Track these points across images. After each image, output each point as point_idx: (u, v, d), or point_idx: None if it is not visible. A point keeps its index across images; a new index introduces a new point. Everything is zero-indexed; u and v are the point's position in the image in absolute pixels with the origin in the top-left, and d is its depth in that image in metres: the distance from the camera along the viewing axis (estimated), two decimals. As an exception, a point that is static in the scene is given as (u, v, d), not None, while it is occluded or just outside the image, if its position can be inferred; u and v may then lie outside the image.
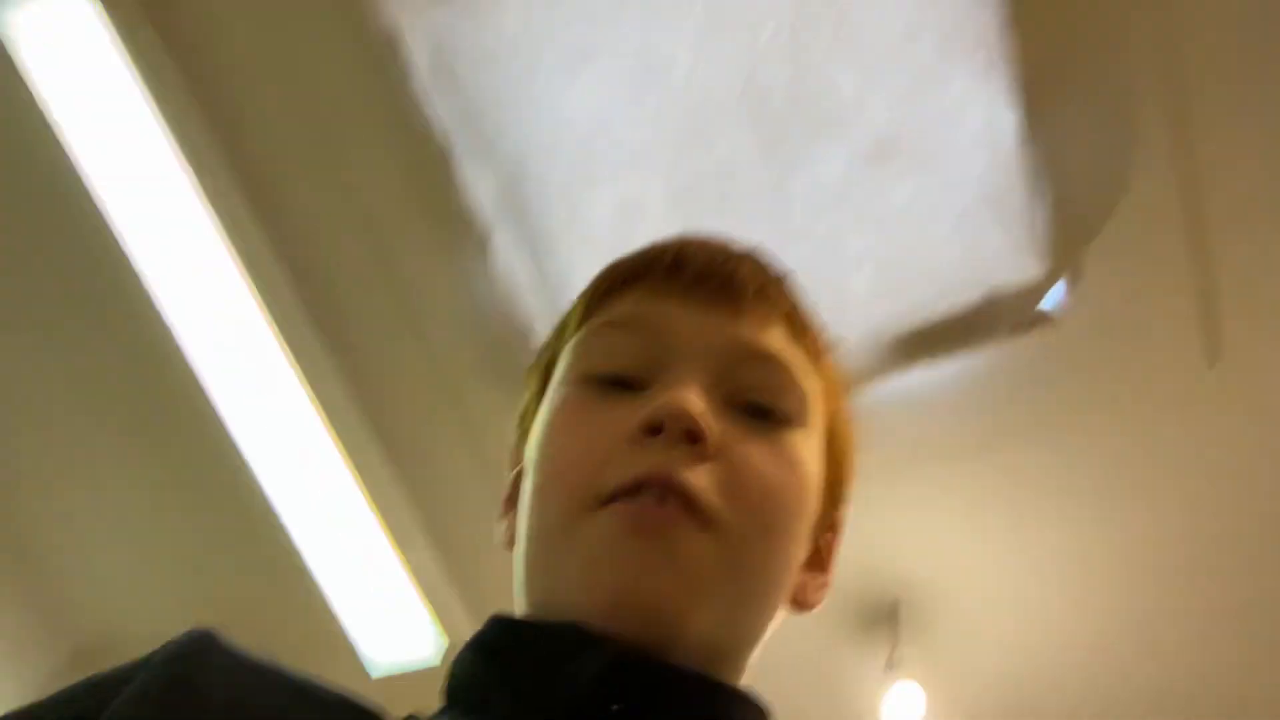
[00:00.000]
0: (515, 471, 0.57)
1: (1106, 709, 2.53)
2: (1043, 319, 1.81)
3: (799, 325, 0.56)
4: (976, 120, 1.69)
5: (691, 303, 0.52)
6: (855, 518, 2.15)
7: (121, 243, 1.95)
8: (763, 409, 0.51)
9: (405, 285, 2.08)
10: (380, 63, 1.78)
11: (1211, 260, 1.80)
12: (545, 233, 1.81)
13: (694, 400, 0.48)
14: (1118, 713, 2.53)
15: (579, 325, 0.56)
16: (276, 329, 2.04)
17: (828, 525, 0.57)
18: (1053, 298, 1.82)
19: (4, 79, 1.81)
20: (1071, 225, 1.75)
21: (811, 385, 0.54)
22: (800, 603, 0.55)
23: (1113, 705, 2.53)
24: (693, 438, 0.47)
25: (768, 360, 0.52)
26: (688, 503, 0.46)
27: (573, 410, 0.52)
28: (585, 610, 0.45)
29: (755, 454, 0.49)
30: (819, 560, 0.56)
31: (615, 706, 0.42)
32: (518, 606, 0.51)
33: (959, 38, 1.59)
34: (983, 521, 2.28)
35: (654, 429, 0.47)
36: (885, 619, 2.44)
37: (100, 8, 1.78)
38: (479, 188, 1.89)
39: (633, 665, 0.43)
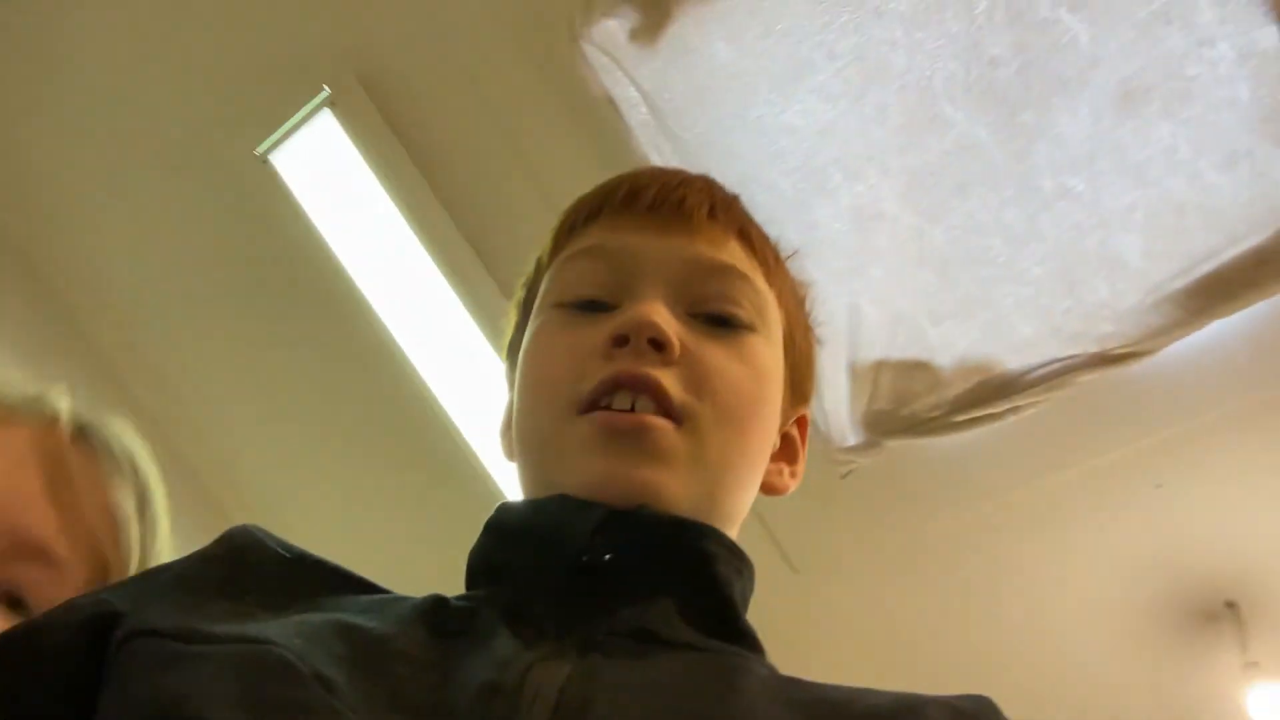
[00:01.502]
0: (510, 398, 0.62)
1: None
2: (1358, 240, 1.61)
3: (752, 239, 0.60)
4: (1231, 43, 1.55)
5: (648, 228, 0.57)
6: (1163, 506, 2.00)
7: (379, 320, 2.13)
8: (721, 317, 0.56)
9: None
10: (601, 127, 1.87)
11: None
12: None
13: (657, 311, 0.53)
14: None
15: (549, 260, 0.61)
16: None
17: (794, 420, 0.63)
18: (1365, 215, 1.62)
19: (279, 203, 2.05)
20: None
21: (767, 293, 0.59)
22: (772, 487, 0.60)
23: None
24: (657, 345, 0.52)
25: (723, 272, 0.57)
26: (656, 397, 0.51)
27: (550, 333, 0.57)
28: (576, 495, 0.51)
29: (716, 355, 0.54)
30: (790, 452, 0.62)
31: (608, 556, 0.48)
32: None
33: (1199, -42, 1.47)
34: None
35: (622, 340, 0.52)
36: (1225, 619, 2.21)
37: (342, 127, 1.98)
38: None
39: (621, 516, 0.49)
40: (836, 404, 1.95)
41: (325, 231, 2.11)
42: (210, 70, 1.96)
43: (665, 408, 0.51)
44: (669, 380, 0.52)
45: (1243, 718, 2.14)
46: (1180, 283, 1.71)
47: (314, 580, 0.51)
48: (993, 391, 1.89)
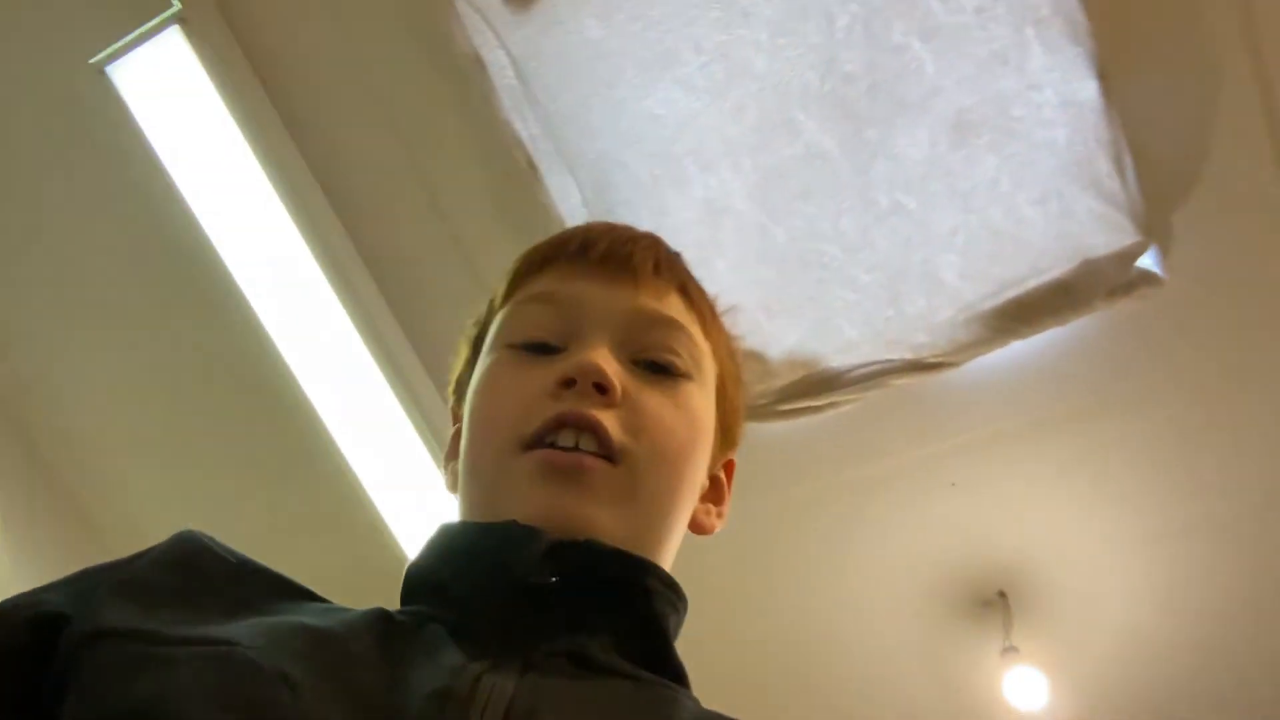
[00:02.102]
0: (455, 428, 0.65)
1: (1235, 679, 2.47)
2: (1139, 282, 1.79)
3: (691, 295, 0.65)
4: (1057, 90, 1.69)
5: (598, 279, 0.61)
6: (954, 503, 2.18)
7: (227, 267, 2.06)
8: (661, 365, 0.60)
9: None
10: (465, 85, 1.85)
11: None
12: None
13: (603, 357, 0.57)
14: (1244, 682, 2.47)
15: (503, 302, 0.65)
16: (371, 345, 2.13)
17: (722, 464, 0.67)
18: (1147, 261, 1.80)
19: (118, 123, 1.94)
20: (1161, 188, 1.73)
21: (703, 345, 0.63)
22: (700, 526, 0.64)
23: (1239, 676, 2.47)
24: (601, 389, 0.56)
25: (664, 323, 0.61)
26: (598, 436, 0.54)
27: (500, 372, 0.60)
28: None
29: (654, 401, 0.58)
30: (717, 493, 0.66)
31: (554, 578, 0.51)
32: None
33: (1032, 10, 1.59)
34: (1086, 497, 2.25)
35: (569, 382, 0.56)
36: (996, 607, 2.43)
37: (191, 48, 1.89)
38: (566, 197, 1.95)
39: (568, 545, 0.52)
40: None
41: (165, 155, 2.01)
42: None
43: (605, 447, 0.55)
44: (610, 421, 0.55)
45: (999, 697, 2.37)
46: (988, 304, 1.86)
47: (262, 586, 0.53)
48: (815, 386, 2.01)
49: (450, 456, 0.65)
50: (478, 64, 1.83)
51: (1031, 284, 1.82)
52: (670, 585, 0.56)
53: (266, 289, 2.12)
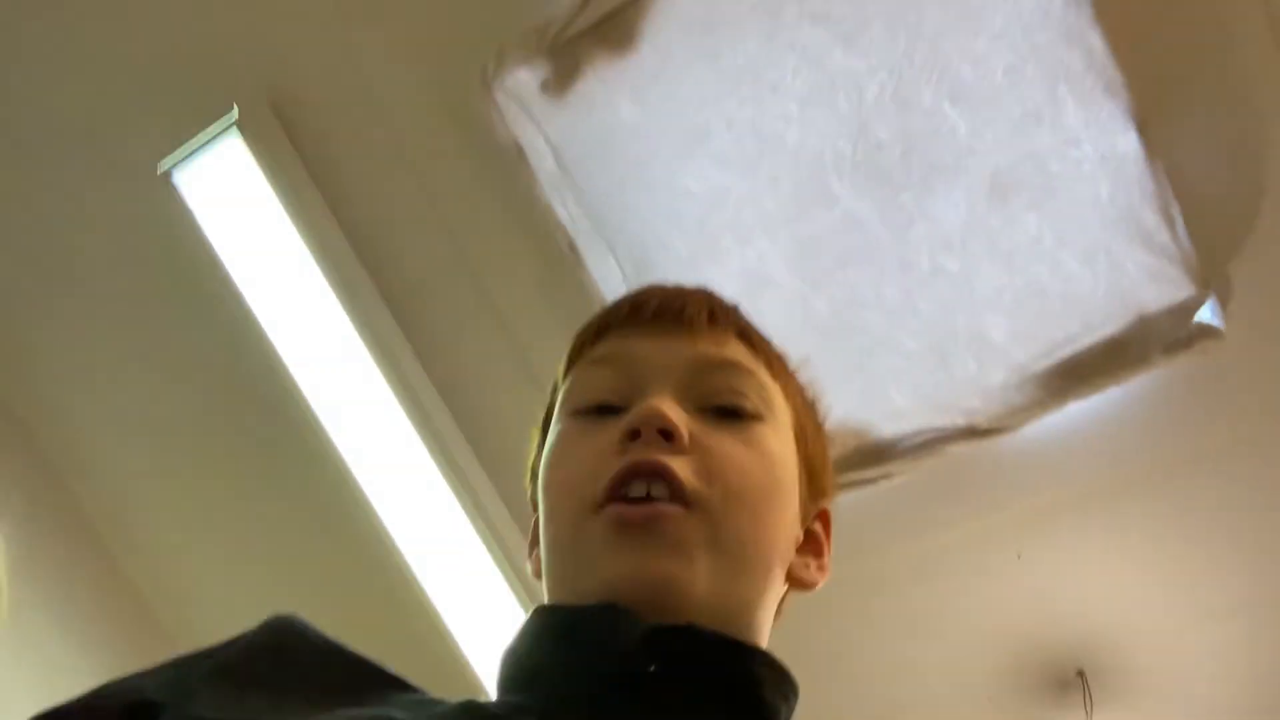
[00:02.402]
0: (535, 517, 0.63)
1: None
2: (1198, 336, 1.73)
3: (752, 340, 0.65)
4: (1095, 144, 1.67)
5: (654, 334, 0.61)
6: (1022, 576, 2.08)
7: (273, 345, 2.11)
8: (729, 409, 0.58)
9: (543, 383, 2.16)
10: (508, 173, 1.91)
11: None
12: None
13: (665, 403, 0.55)
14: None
15: (565, 376, 0.65)
16: (423, 433, 2.15)
17: (816, 514, 0.65)
18: (1205, 313, 1.74)
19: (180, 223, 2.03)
20: (1215, 236, 1.69)
21: (772, 386, 0.62)
22: (799, 581, 0.62)
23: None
24: (667, 435, 0.54)
25: (727, 366, 0.60)
26: (669, 484, 0.52)
27: (567, 439, 0.60)
28: (602, 597, 0.51)
29: (725, 443, 0.56)
30: (815, 545, 0.64)
31: (652, 667, 0.48)
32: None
33: (1063, 67, 1.59)
34: (1161, 566, 2.14)
35: (634, 434, 0.54)
36: (1075, 687, 2.30)
37: (252, 156, 1.98)
38: (608, 278, 1.97)
39: (667, 630, 0.49)
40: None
41: (225, 255, 2.09)
42: (118, 76, 1.94)
43: (678, 493, 0.52)
44: (680, 466, 0.53)
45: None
46: (1041, 364, 1.81)
47: (354, 675, 0.52)
48: (867, 457, 1.97)
49: (533, 544, 0.64)
50: (518, 152, 1.88)
51: (1084, 343, 1.77)
52: (780, 673, 0.53)
53: (329, 398, 2.17)
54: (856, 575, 2.22)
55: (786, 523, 0.59)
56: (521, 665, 0.53)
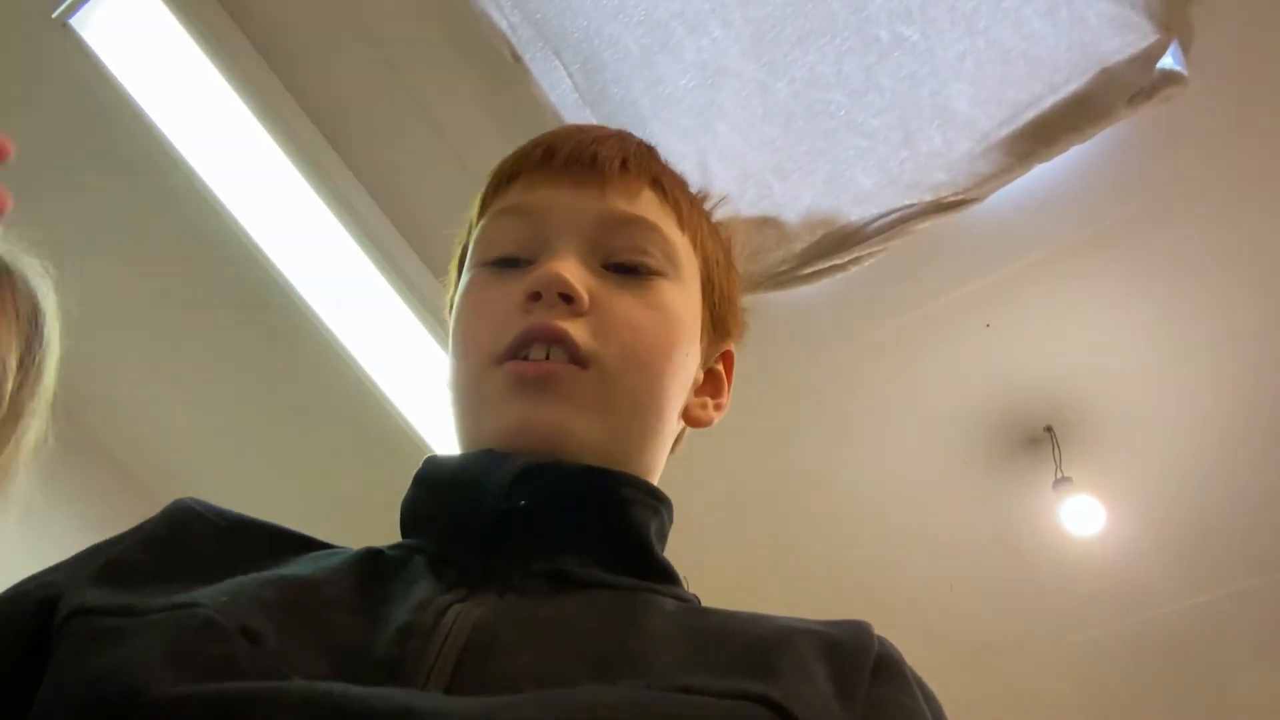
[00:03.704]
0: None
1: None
2: (1162, 83, 1.71)
3: (665, 187, 0.63)
4: (1056, -111, 1.59)
5: (563, 185, 0.61)
6: (992, 344, 2.14)
7: (222, 208, 2.03)
8: (631, 265, 0.59)
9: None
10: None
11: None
12: (632, 114, 1.80)
13: (566, 266, 0.57)
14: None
15: (478, 219, 0.64)
16: (360, 239, 2.11)
17: (719, 356, 0.67)
18: (1168, 59, 1.72)
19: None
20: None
21: (680, 239, 0.62)
22: (694, 420, 0.64)
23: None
24: (567, 298, 0.56)
25: (633, 223, 0.60)
26: (566, 348, 0.55)
27: (473, 292, 0.61)
28: (495, 443, 0.55)
29: (625, 304, 0.57)
30: (714, 386, 0.66)
31: (523, 503, 0.52)
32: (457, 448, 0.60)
33: None
34: (1123, 319, 2.20)
35: (535, 295, 0.56)
36: (1044, 442, 2.41)
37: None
38: (556, 84, 1.88)
39: (535, 468, 0.53)
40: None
41: (140, 100, 1.96)
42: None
43: (574, 355, 0.55)
44: (578, 330, 0.55)
45: (1057, 527, 2.37)
46: (1005, 130, 1.78)
47: (253, 545, 0.53)
48: (836, 243, 1.96)
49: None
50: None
51: (1049, 102, 1.75)
52: (647, 490, 0.56)
53: (261, 217, 2.09)
54: (834, 360, 2.27)
55: (683, 373, 0.61)
56: (416, 512, 0.56)
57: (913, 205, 1.91)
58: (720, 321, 0.66)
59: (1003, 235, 2.01)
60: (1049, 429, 2.37)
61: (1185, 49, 1.75)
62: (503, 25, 1.83)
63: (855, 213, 1.95)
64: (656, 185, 0.63)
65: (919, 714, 0.48)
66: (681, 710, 0.40)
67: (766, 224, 1.98)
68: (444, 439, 2.27)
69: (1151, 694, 2.93)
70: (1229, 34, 1.73)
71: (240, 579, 0.48)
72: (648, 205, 0.61)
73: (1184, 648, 2.80)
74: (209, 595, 0.45)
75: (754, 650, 0.46)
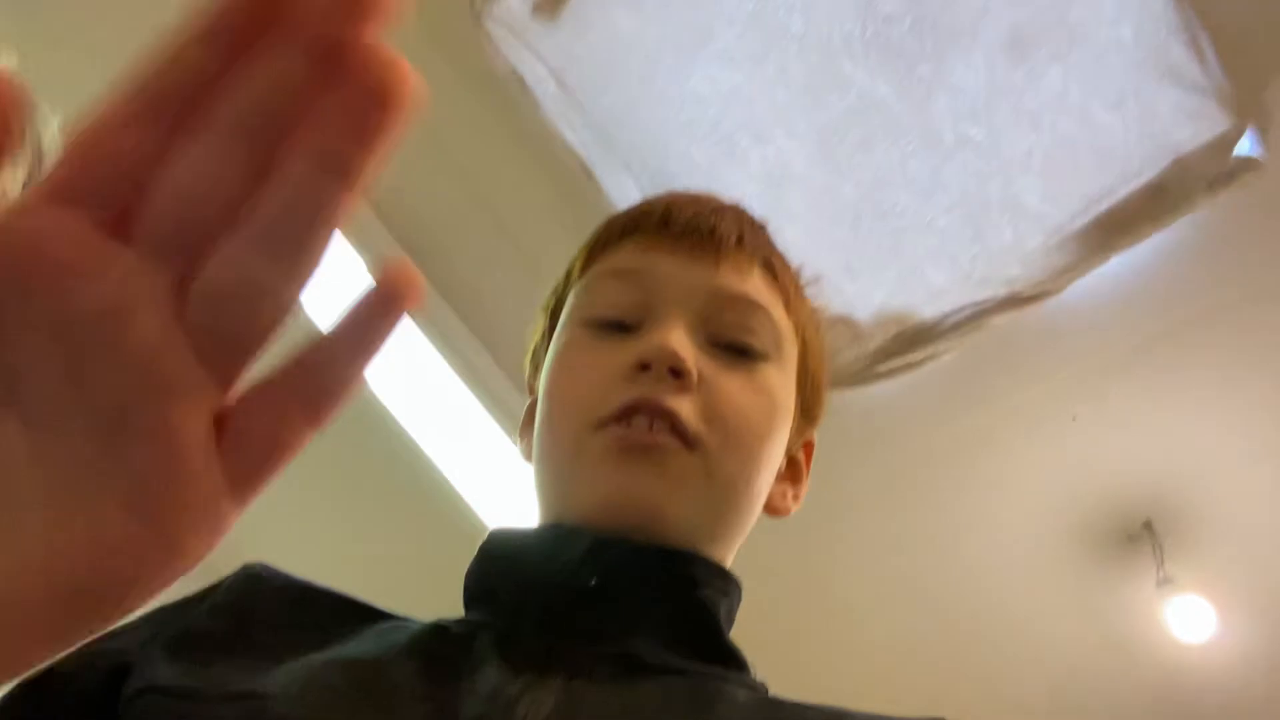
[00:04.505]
0: (531, 400, 0.65)
1: None
2: (1239, 169, 1.68)
3: (775, 270, 0.62)
4: (1115, -15, 1.60)
5: (678, 253, 0.59)
6: (1080, 437, 2.07)
7: None
8: (740, 347, 0.58)
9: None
10: (510, 103, 1.86)
11: None
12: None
13: (679, 340, 0.55)
14: None
15: (581, 274, 0.63)
16: (465, 376, 2.16)
17: (802, 443, 0.66)
18: (1244, 145, 1.69)
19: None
20: (1246, 63, 1.62)
21: (784, 323, 0.61)
22: (775, 509, 0.63)
23: None
24: (676, 373, 0.54)
25: (744, 304, 0.59)
26: (673, 424, 0.53)
27: (576, 350, 0.59)
28: (586, 513, 0.53)
29: (732, 385, 0.56)
30: (795, 473, 0.65)
31: (593, 580, 0.50)
32: (538, 518, 0.59)
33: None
34: (1218, 408, 2.12)
35: (644, 366, 0.55)
36: (1144, 539, 2.31)
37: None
38: (626, 197, 1.94)
39: (607, 544, 0.51)
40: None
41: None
42: None
43: (681, 434, 0.54)
44: (685, 408, 0.54)
45: (1162, 630, 2.25)
46: (1079, 222, 1.77)
47: (321, 615, 0.53)
48: (910, 340, 1.94)
49: (526, 426, 0.65)
50: (517, 80, 1.84)
51: (1122, 193, 1.73)
52: (718, 572, 0.55)
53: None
54: (915, 457, 2.22)
55: (775, 459, 0.60)
56: (480, 585, 0.55)
57: (987, 300, 1.89)
58: (809, 408, 0.65)
59: (1083, 327, 1.97)
60: (1148, 524, 2.27)
61: (1262, 133, 1.72)
62: (573, 141, 1.90)
63: (928, 309, 1.93)
64: (768, 266, 0.62)
65: None
66: None
67: (839, 323, 1.97)
68: (499, 516, 2.31)
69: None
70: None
71: (307, 661, 0.47)
72: (759, 285, 0.60)
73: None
74: (280, 684, 0.44)
75: None
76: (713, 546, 0.56)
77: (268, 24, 0.23)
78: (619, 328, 0.58)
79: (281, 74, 0.23)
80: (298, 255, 0.24)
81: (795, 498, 0.65)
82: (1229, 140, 1.66)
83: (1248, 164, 1.69)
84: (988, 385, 2.08)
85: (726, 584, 0.55)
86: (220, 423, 0.25)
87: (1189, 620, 2.20)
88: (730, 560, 0.58)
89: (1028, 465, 2.23)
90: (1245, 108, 1.65)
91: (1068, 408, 2.12)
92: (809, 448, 0.67)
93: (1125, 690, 2.53)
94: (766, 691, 0.52)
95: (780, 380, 0.59)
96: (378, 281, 0.25)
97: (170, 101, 0.23)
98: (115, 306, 0.24)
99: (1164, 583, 2.24)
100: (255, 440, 0.25)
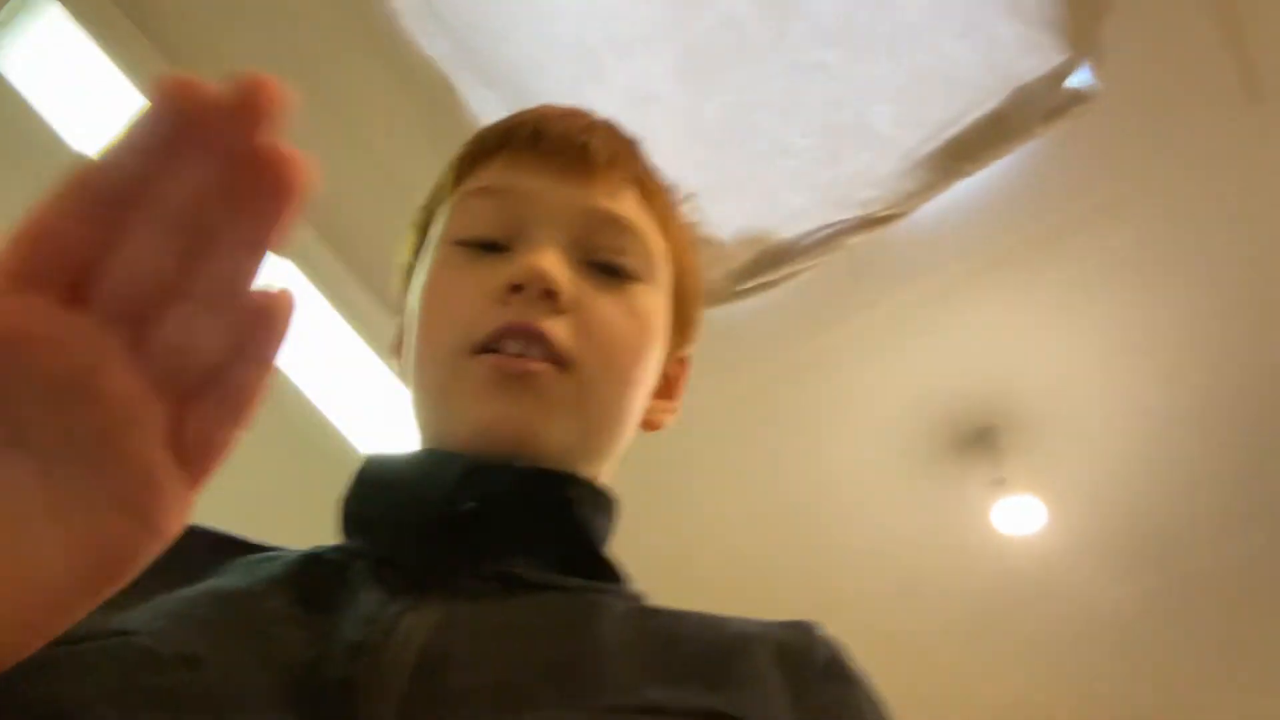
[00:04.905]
0: (400, 320, 0.64)
1: (1232, 476, 2.53)
2: (1074, 101, 1.77)
3: (649, 189, 0.62)
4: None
5: (549, 172, 0.59)
6: (928, 351, 2.20)
7: None
8: (612, 267, 0.58)
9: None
10: (369, 12, 1.79)
11: (1236, 6, 1.75)
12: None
13: (551, 262, 0.55)
14: (1241, 478, 2.54)
15: (451, 191, 0.62)
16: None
17: (676, 360, 0.66)
18: (1079, 79, 1.78)
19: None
20: (1084, 1, 1.70)
21: (658, 244, 0.61)
22: (651, 424, 0.64)
23: (1237, 472, 2.52)
24: (549, 295, 0.54)
25: (617, 224, 0.59)
26: (545, 347, 0.54)
27: (447, 271, 0.58)
28: (462, 439, 0.54)
29: (604, 306, 0.57)
30: (669, 389, 0.66)
31: (470, 504, 0.51)
32: (418, 441, 0.59)
33: None
34: (1057, 322, 2.27)
35: (516, 287, 0.54)
36: (986, 441, 2.47)
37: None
38: (489, 110, 1.90)
39: (482, 468, 0.52)
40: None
41: (65, 132, 1.94)
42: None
43: (554, 356, 0.54)
44: (558, 329, 0.54)
45: (990, 529, 2.44)
46: (928, 147, 1.84)
47: (193, 550, 0.49)
48: (770, 260, 2.00)
49: (396, 346, 0.64)
50: (374, -12, 1.76)
51: (968, 120, 1.80)
52: (594, 490, 0.55)
53: None
54: (772, 373, 2.31)
55: (649, 378, 0.60)
56: (357, 512, 0.55)
57: (843, 221, 1.96)
58: (684, 326, 0.65)
59: (930, 247, 2.07)
60: (988, 430, 2.43)
61: (1096, 66, 1.81)
62: (435, 54, 1.84)
63: (788, 230, 1.99)
64: (641, 185, 0.62)
65: (866, 714, 0.48)
66: None
67: (702, 243, 2.01)
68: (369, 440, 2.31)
69: (1099, 687, 3.02)
70: (1138, 45, 1.79)
71: (176, 595, 0.46)
72: (632, 206, 0.60)
73: (1130, 637, 2.88)
74: (143, 619, 0.43)
75: (709, 658, 0.46)
76: (588, 465, 0.56)
77: (186, 135, 0.29)
78: (490, 247, 0.58)
79: (202, 176, 0.29)
80: (235, 310, 0.31)
81: (671, 411, 0.65)
82: (1063, 72, 1.74)
83: (1081, 95, 1.79)
84: (843, 303, 2.17)
85: (602, 501, 0.56)
86: (176, 433, 0.32)
87: (1016, 516, 2.39)
88: (607, 476, 0.59)
89: (881, 378, 2.35)
90: (1081, 41, 1.73)
91: (917, 323, 2.24)
92: (684, 364, 0.67)
93: (960, 581, 2.75)
94: (643, 602, 0.54)
95: (653, 301, 0.60)
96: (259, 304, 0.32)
97: (110, 197, 0.29)
98: (86, 364, 0.30)
99: (997, 483, 2.42)
100: (200, 443, 0.32)
